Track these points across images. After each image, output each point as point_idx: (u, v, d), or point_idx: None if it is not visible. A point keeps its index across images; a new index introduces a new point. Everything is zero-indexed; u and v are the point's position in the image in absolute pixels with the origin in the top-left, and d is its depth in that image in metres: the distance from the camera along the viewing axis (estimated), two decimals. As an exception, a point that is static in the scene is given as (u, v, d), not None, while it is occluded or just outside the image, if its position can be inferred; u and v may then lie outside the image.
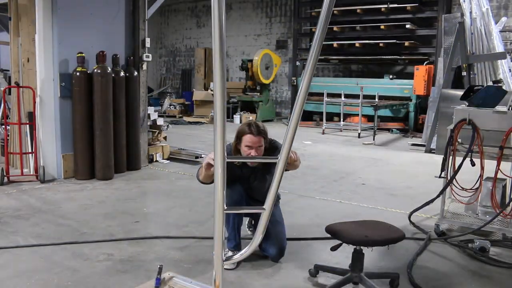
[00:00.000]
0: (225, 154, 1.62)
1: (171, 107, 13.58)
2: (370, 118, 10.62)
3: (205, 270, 2.96)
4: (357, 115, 10.19)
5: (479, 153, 3.44)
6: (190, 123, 12.31)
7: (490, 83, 3.39)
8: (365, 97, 9.93)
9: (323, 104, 10.74)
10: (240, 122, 12.17)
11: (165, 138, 7.09)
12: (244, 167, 3.16)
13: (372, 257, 3.25)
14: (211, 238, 3.44)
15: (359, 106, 9.91)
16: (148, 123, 6.49)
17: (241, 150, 3.04)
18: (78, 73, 5.23)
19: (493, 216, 3.46)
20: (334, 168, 6.48)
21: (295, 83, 12.94)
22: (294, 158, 2.95)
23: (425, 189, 5.28)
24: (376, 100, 9.70)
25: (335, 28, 11.91)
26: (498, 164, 3.41)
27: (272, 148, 3.16)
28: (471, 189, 3.73)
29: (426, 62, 10.66)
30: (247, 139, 2.98)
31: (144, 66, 6.14)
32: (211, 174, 2.76)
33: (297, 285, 2.83)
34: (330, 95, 11.10)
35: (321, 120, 10.89)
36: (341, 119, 10.90)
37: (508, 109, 3.46)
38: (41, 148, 5.28)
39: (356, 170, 6.31)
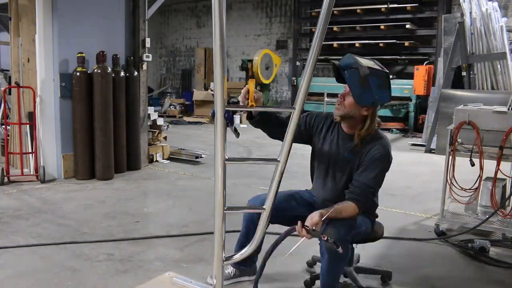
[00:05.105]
0: (225, 155, 1.61)
1: (171, 107, 13.57)
2: (370, 118, 10.61)
3: (205, 270, 2.96)
4: (357, 115, 10.17)
5: (478, 153, 3.44)
6: (190, 123, 12.31)
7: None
8: (365, 97, 9.91)
9: (323, 104, 10.73)
10: (240, 122, 12.16)
11: (165, 138, 7.09)
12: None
13: (370, 256, 3.26)
14: (211, 233, 3.44)
15: (359, 106, 9.89)
16: (148, 123, 6.49)
17: None
18: (78, 73, 5.23)
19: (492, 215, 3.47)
20: (334, 168, 6.47)
21: (295, 83, 12.94)
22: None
23: (424, 189, 5.29)
24: (376, 100, 9.68)
25: (335, 28, 11.90)
26: (498, 164, 3.42)
27: (370, 137, 2.36)
28: (470, 189, 3.73)
29: (426, 62, 10.66)
30: None
31: (144, 66, 6.14)
32: None
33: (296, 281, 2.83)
34: (330, 95, 11.09)
35: (321, 120, 10.87)
36: (341, 119, 10.88)
37: (508, 109, 3.46)
38: (41, 148, 5.28)
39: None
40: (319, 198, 2.55)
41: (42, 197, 4.65)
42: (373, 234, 2.51)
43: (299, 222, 2.06)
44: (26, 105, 5.51)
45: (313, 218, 2.10)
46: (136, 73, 5.90)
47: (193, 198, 4.81)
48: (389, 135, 10.31)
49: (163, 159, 6.70)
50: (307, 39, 13.46)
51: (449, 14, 9.62)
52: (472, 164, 3.44)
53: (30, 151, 5.43)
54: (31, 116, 5.36)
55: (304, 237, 2.03)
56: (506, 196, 3.66)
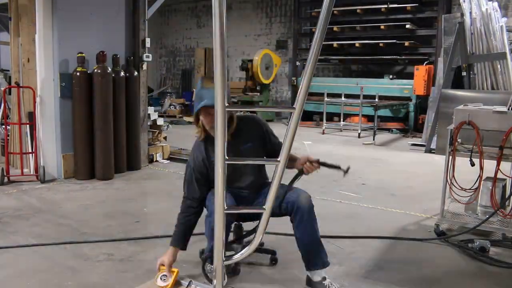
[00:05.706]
0: (225, 154, 1.61)
1: (171, 107, 13.57)
2: (370, 118, 10.62)
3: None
4: (357, 115, 10.19)
5: (478, 153, 3.44)
6: (190, 123, 12.30)
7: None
8: (365, 97, 9.93)
9: (323, 104, 10.74)
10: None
11: (165, 138, 7.09)
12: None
13: (370, 255, 3.26)
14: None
15: (359, 106, 9.91)
16: (148, 123, 6.49)
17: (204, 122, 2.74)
18: (78, 73, 5.23)
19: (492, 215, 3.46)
20: (334, 168, 6.46)
21: (295, 83, 12.94)
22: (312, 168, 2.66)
23: (425, 189, 5.28)
24: (376, 100, 9.70)
25: (335, 28, 11.91)
26: (498, 164, 3.41)
27: (246, 121, 2.84)
28: (470, 189, 3.73)
29: (426, 62, 10.66)
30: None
31: (144, 66, 6.14)
32: None
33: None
34: (330, 95, 11.10)
35: (321, 120, 10.89)
36: (341, 119, 10.90)
37: (508, 109, 3.46)
38: (41, 148, 5.28)
39: (356, 170, 6.29)
40: (247, 187, 2.85)
41: (42, 197, 4.65)
42: None
43: (306, 163, 2.66)
44: (26, 105, 5.51)
45: (310, 157, 2.71)
46: (136, 73, 5.90)
47: (193, 198, 4.79)
48: (389, 135, 10.32)
49: (163, 159, 6.70)
50: (307, 39, 13.46)
51: (449, 14, 9.62)
52: (472, 164, 3.44)
53: (30, 151, 5.43)
54: (31, 116, 5.36)
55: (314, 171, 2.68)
56: (506, 196, 3.66)
